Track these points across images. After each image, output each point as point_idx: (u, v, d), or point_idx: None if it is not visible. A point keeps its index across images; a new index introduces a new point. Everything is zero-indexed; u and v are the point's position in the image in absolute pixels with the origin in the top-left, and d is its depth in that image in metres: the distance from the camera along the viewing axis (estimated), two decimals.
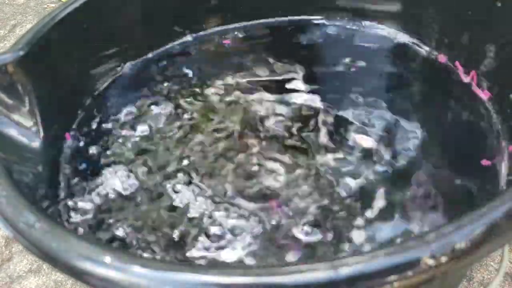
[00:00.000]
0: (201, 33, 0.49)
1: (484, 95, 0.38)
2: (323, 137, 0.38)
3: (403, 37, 0.46)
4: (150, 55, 0.47)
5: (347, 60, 0.45)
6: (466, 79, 0.40)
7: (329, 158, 0.37)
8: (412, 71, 0.44)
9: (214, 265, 0.30)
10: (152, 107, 0.43)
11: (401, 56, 0.45)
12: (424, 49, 0.44)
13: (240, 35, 0.50)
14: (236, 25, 0.50)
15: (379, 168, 0.35)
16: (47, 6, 0.76)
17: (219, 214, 0.33)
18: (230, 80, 0.45)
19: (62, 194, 0.34)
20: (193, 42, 0.49)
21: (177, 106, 0.43)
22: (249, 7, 0.50)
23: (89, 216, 0.33)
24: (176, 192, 0.35)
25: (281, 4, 0.49)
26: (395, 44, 0.46)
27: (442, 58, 0.43)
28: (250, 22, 0.50)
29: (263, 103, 0.42)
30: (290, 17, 0.50)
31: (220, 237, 0.32)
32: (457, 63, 0.41)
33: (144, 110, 0.43)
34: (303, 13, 0.49)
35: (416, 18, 0.44)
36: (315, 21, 0.50)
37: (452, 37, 0.42)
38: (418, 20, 0.44)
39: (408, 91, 0.42)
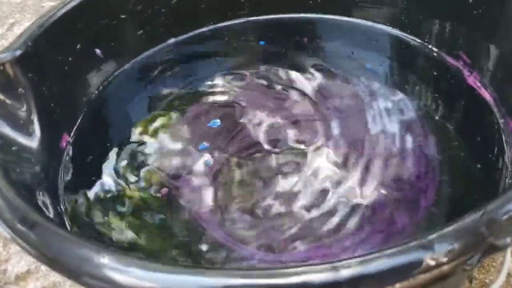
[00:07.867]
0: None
1: (488, 95, 0.38)
2: None
3: (404, 36, 0.46)
4: (148, 55, 0.46)
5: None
6: (469, 79, 0.39)
7: None
8: (414, 70, 0.44)
9: (214, 267, 0.29)
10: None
11: (402, 55, 0.45)
12: (425, 48, 0.44)
13: None
14: None
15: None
16: (45, 4, 0.76)
17: None
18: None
19: (60, 195, 0.34)
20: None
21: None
22: None
23: (87, 217, 0.33)
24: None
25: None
26: (396, 43, 0.46)
27: (445, 58, 0.42)
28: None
29: None
30: (289, 15, 0.50)
31: None
32: (460, 62, 0.41)
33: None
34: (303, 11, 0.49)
35: (418, 18, 0.44)
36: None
37: (455, 37, 0.41)
38: (419, 20, 0.44)
39: (411, 90, 0.42)
